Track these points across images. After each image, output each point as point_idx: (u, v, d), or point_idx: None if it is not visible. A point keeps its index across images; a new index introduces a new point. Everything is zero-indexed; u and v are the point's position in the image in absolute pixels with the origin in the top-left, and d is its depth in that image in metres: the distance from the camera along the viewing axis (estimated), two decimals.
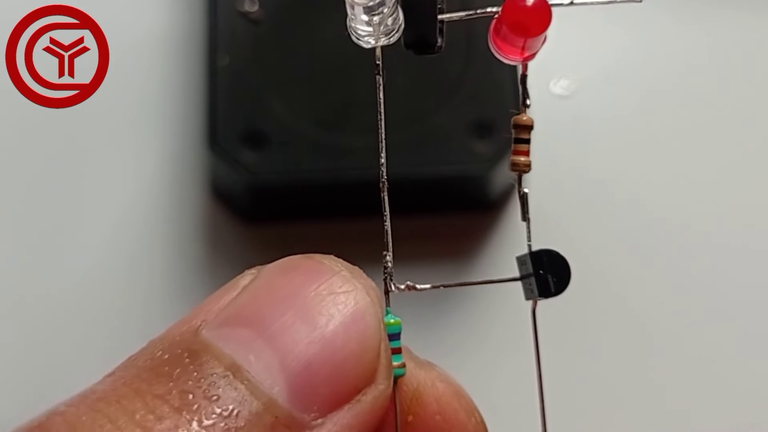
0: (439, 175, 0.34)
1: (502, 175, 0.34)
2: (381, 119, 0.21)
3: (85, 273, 0.34)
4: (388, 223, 0.20)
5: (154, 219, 0.35)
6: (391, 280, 0.21)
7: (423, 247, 0.35)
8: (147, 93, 0.37)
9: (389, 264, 0.20)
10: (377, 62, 0.21)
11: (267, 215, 0.36)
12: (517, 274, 0.22)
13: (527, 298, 0.22)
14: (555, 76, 0.38)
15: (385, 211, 0.20)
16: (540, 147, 0.34)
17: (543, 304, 0.21)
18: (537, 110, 0.35)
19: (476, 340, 0.35)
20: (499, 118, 0.33)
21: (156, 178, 0.36)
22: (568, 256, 0.21)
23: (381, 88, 0.21)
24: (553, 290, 0.21)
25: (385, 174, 0.20)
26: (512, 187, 0.35)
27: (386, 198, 0.20)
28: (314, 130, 0.34)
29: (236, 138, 0.34)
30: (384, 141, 0.21)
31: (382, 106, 0.21)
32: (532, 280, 0.21)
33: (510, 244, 0.35)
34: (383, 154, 0.20)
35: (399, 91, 0.35)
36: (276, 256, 0.35)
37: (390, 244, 0.20)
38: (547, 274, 0.21)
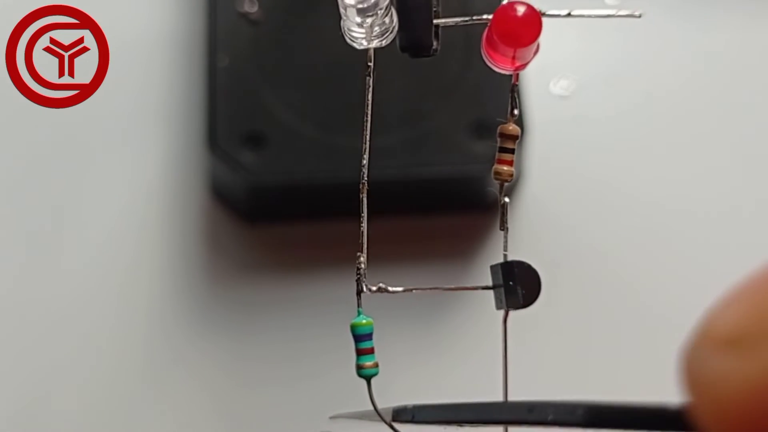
0: (438, 175, 0.34)
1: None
2: (367, 120, 0.21)
3: (84, 273, 0.34)
4: (364, 225, 0.21)
5: (153, 219, 0.35)
6: (364, 280, 0.21)
7: (422, 247, 0.35)
8: (146, 93, 0.37)
9: (362, 265, 0.21)
10: (368, 63, 0.21)
11: (267, 216, 0.36)
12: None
13: (497, 308, 0.22)
14: (555, 77, 0.38)
15: (362, 212, 0.21)
16: (539, 147, 0.34)
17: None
18: (536, 110, 0.35)
19: (467, 342, 0.35)
20: (499, 118, 0.33)
21: (155, 178, 0.36)
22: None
23: (371, 89, 0.21)
24: (521, 302, 0.21)
25: (365, 176, 0.21)
26: (512, 189, 0.36)
27: (365, 200, 0.21)
28: (314, 131, 0.34)
29: (236, 139, 0.34)
30: (368, 143, 0.21)
31: (369, 108, 0.21)
32: (502, 290, 0.21)
33: (509, 244, 0.35)
34: (366, 156, 0.21)
35: (398, 92, 0.35)
36: (276, 257, 0.36)
37: (365, 246, 0.21)
38: (516, 285, 0.21)
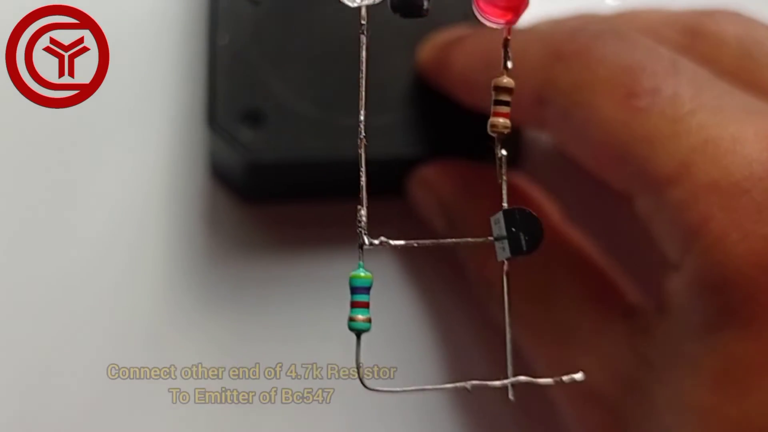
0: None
1: None
2: (362, 77, 0.21)
3: (83, 255, 0.35)
4: (363, 179, 0.21)
5: (152, 198, 0.35)
6: (365, 234, 0.21)
7: (419, 226, 0.35)
8: (146, 72, 0.36)
9: (363, 219, 0.21)
10: (362, 22, 0.21)
11: (266, 194, 0.36)
12: None
13: (499, 258, 0.22)
14: None
15: (361, 167, 0.21)
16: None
17: None
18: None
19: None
20: None
21: (154, 157, 0.36)
22: None
23: (364, 47, 0.21)
24: (524, 248, 0.22)
25: (363, 132, 0.21)
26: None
27: (363, 154, 0.21)
28: (314, 110, 0.34)
29: (235, 117, 0.34)
30: (365, 99, 0.21)
31: (364, 65, 0.21)
32: (505, 240, 0.22)
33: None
34: (363, 112, 0.21)
35: (396, 71, 0.35)
36: (275, 236, 0.36)
37: (365, 200, 0.21)
38: (519, 232, 0.22)
